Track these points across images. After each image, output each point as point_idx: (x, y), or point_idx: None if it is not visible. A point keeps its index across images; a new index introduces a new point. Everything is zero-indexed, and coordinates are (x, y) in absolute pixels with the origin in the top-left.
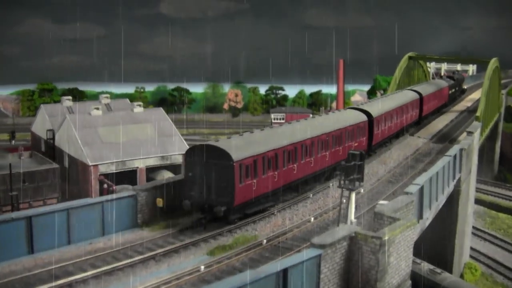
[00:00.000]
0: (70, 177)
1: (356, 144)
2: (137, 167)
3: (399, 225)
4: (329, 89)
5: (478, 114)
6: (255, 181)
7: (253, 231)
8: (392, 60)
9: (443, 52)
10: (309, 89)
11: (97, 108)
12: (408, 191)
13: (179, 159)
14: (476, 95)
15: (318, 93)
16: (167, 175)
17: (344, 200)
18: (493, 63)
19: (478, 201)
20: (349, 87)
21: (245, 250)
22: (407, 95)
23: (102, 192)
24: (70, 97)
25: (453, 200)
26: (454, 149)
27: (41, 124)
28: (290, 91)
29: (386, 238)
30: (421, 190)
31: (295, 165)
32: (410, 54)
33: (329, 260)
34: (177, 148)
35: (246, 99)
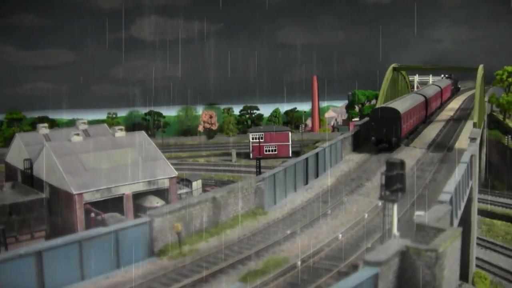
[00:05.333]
0: (52, 208)
1: (423, 113)
2: (124, 194)
3: (448, 235)
4: (304, 106)
5: (475, 120)
6: (405, 124)
7: (281, 252)
8: (367, 74)
9: (417, 63)
10: (284, 107)
11: (77, 134)
12: (441, 199)
13: (166, 184)
14: (454, 104)
15: (293, 110)
16: (155, 202)
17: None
18: (480, 69)
19: None
20: (323, 103)
21: (281, 275)
22: (434, 88)
23: (89, 222)
24: (46, 125)
25: (467, 209)
26: (466, 156)
27: (16, 154)
28: (265, 110)
29: (441, 250)
30: (451, 198)
31: (411, 120)
32: (394, 65)
33: (384, 279)
34: (163, 172)
35: (220, 120)
